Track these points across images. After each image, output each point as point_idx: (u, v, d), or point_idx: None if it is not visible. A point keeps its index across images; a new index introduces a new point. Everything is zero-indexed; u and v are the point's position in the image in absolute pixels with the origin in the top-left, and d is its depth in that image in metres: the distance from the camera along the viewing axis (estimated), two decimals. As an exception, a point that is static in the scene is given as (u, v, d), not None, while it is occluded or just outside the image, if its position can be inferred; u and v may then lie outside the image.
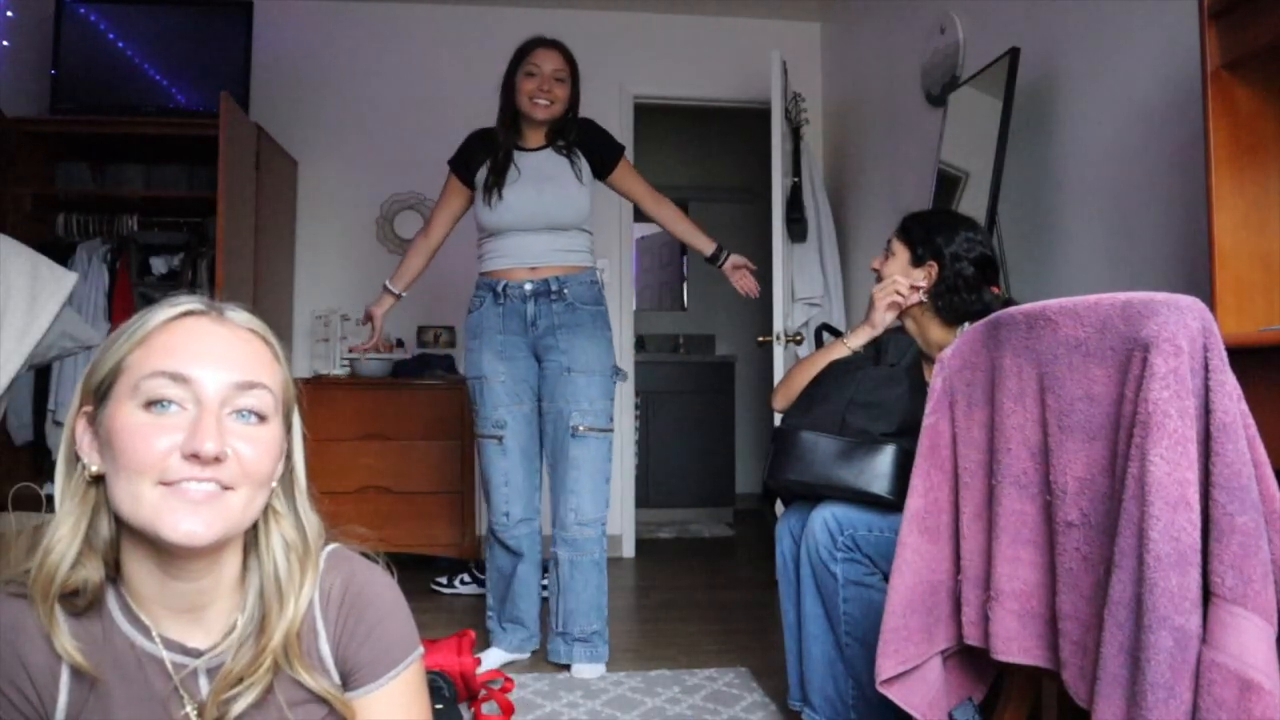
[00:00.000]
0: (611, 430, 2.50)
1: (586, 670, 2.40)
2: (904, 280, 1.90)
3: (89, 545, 0.87)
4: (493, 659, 2.45)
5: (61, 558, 0.85)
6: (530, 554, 2.52)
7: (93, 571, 0.87)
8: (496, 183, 2.46)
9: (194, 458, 0.83)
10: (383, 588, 1.00)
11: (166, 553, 0.86)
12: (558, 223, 2.47)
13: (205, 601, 0.91)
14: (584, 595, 2.45)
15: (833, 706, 1.78)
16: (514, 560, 2.50)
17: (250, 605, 0.92)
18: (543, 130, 2.52)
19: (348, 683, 0.97)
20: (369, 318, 2.66)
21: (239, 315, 0.92)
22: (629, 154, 2.95)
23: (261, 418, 0.89)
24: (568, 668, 2.44)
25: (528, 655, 2.53)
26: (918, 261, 1.91)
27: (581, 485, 2.44)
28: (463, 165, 2.56)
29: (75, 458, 0.89)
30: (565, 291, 2.46)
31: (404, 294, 2.66)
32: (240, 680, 0.89)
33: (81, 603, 0.87)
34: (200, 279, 3.63)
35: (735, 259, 2.65)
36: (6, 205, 3.41)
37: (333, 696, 0.93)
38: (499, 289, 2.47)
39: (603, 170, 2.59)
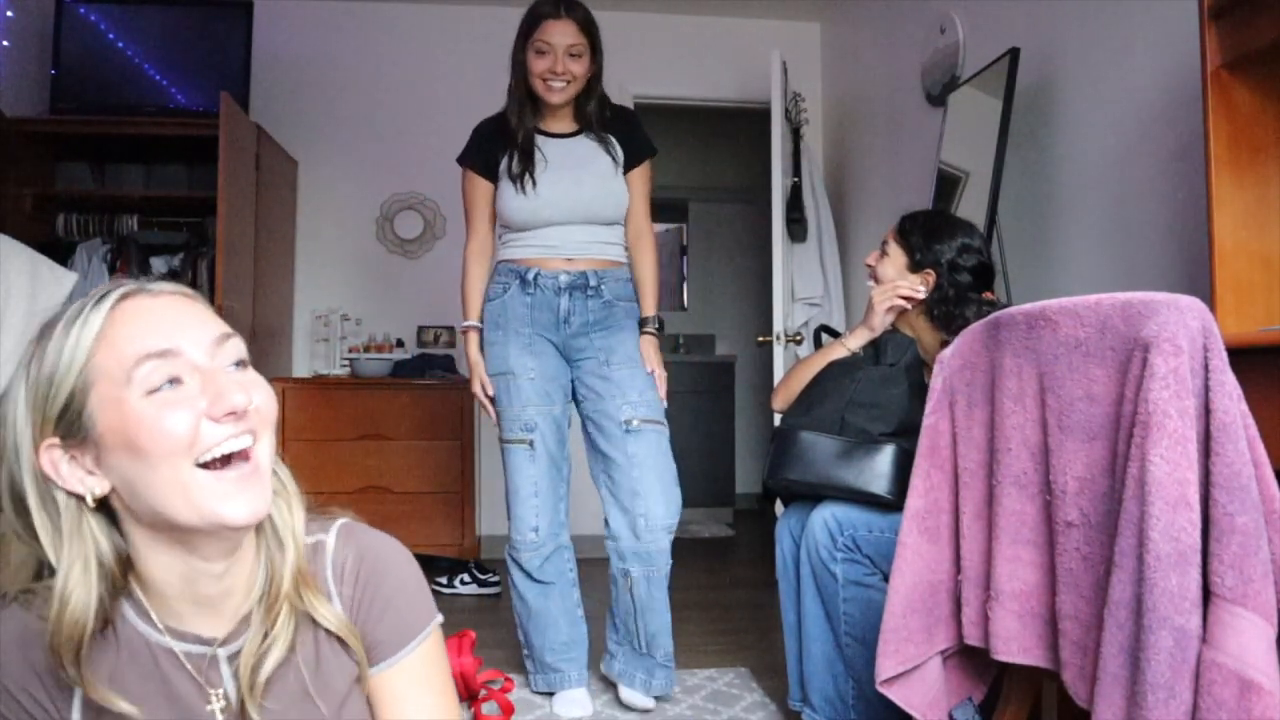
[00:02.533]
0: (666, 424, 2.23)
1: (661, 689, 2.19)
2: (906, 285, 1.90)
3: (98, 580, 0.84)
4: (579, 699, 2.16)
5: (84, 605, 0.82)
6: (562, 578, 2.24)
7: (105, 599, 0.84)
8: (526, 170, 2.17)
9: (229, 415, 0.81)
10: (397, 558, 0.99)
11: (197, 541, 0.84)
12: (599, 217, 2.21)
13: (230, 587, 0.89)
14: (663, 615, 2.19)
15: (833, 706, 1.78)
16: (543, 591, 2.21)
17: (262, 572, 0.91)
18: (567, 112, 2.23)
19: (368, 657, 0.95)
20: (480, 393, 2.26)
21: (163, 284, 0.89)
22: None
23: (246, 363, 0.88)
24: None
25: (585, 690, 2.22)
26: (915, 267, 1.91)
27: (648, 485, 2.14)
28: (477, 158, 2.25)
29: (52, 498, 0.83)
30: (603, 288, 2.21)
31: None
32: (264, 637, 0.88)
33: (95, 624, 0.84)
34: (200, 279, 3.63)
35: (650, 341, 2.26)
36: (6, 205, 3.41)
37: (343, 626, 0.92)
38: (528, 276, 2.19)
39: (626, 165, 2.27)
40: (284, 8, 4.01)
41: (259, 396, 0.86)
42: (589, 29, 2.17)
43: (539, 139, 2.21)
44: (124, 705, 0.83)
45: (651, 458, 2.16)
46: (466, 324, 2.28)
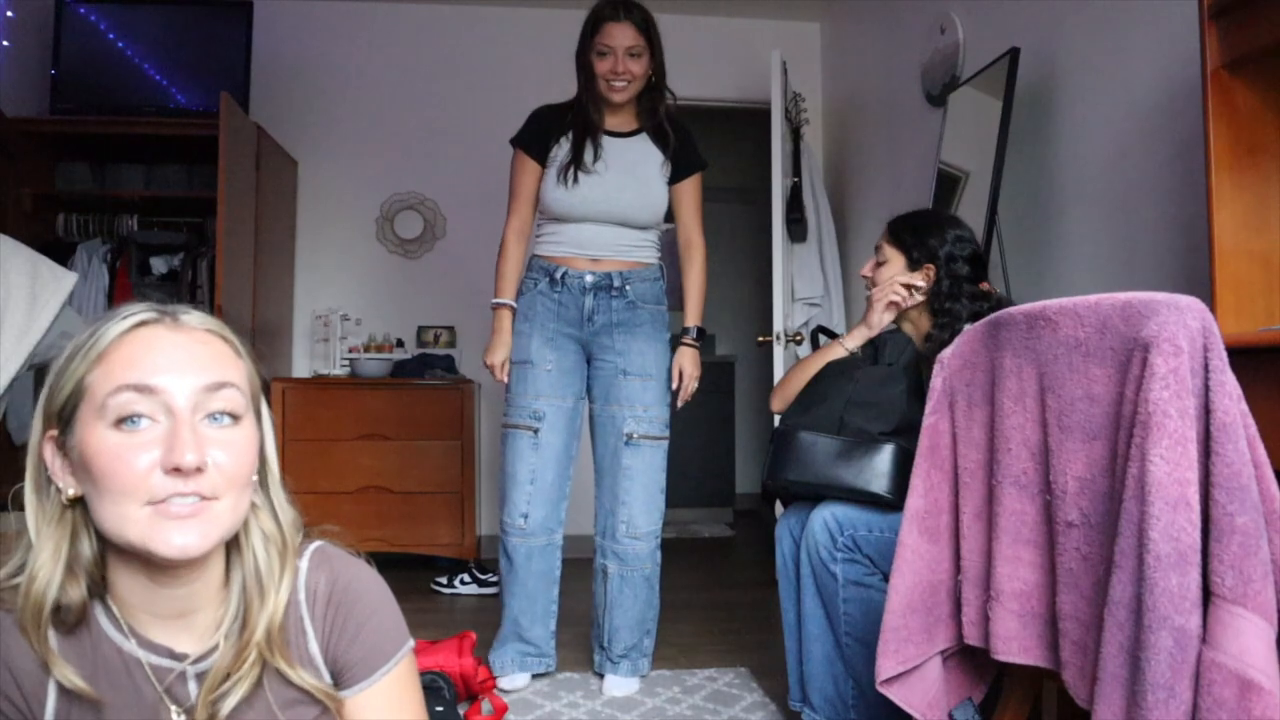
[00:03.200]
0: (667, 437, 2.34)
1: (619, 686, 2.26)
2: (903, 280, 1.90)
3: (70, 568, 0.86)
4: (518, 679, 2.29)
5: (47, 584, 0.84)
6: (546, 573, 2.32)
7: (75, 593, 0.86)
8: (575, 163, 2.26)
9: (175, 471, 0.81)
10: (370, 584, 0.99)
11: (155, 564, 0.86)
12: (632, 221, 2.31)
13: (194, 606, 0.91)
14: (631, 611, 2.29)
15: (833, 706, 1.78)
16: (518, 573, 2.30)
17: (234, 602, 0.92)
18: (629, 109, 2.33)
19: (340, 681, 0.96)
20: (497, 363, 2.32)
21: (193, 317, 0.90)
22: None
23: (235, 418, 0.87)
24: (577, 670, 2.42)
25: (530, 676, 2.33)
26: (914, 265, 1.91)
27: (634, 496, 2.28)
28: (530, 140, 2.33)
29: (46, 482, 0.87)
30: (628, 288, 2.31)
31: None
32: (227, 677, 0.89)
33: (69, 619, 0.87)
34: (200, 279, 3.63)
35: (688, 353, 2.36)
36: (6, 205, 3.41)
37: (318, 690, 0.93)
38: (556, 275, 2.30)
39: (673, 177, 2.38)
40: (284, 8, 4.01)
41: (225, 459, 0.85)
42: (648, 29, 2.29)
43: (600, 137, 2.30)
44: (82, 684, 0.85)
45: (643, 473, 2.29)
46: (498, 301, 2.35)
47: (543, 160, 2.33)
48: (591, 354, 2.34)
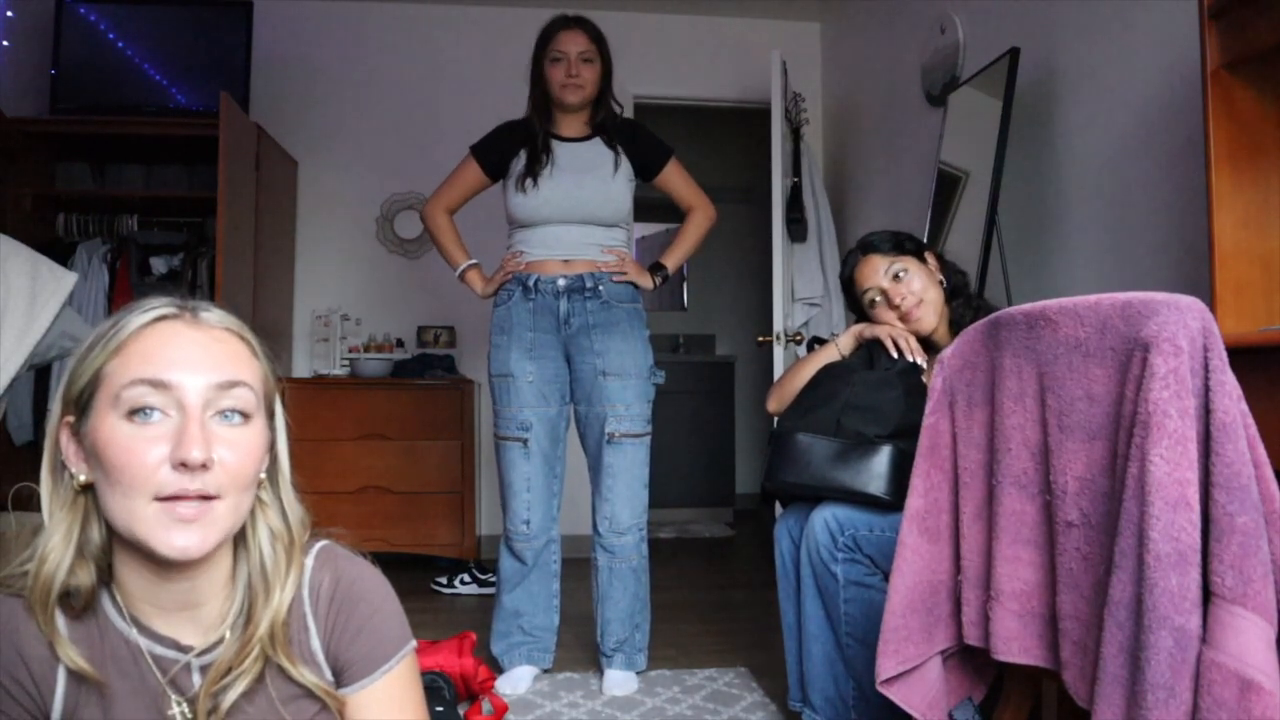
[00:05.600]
0: (648, 433, 2.38)
1: (618, 679, 2.29)
2: (924, 281, 1.92)
3: (80, 552, 0.88)
4: (522, 677, 2.32)
5: (56, 566, 0.86)
6: (544, 565, 2.41)
7: (84, 577, 0.87)
8: (532, 171, 2.33)
9: (181, 466, 0.83)
10: (373, 583, 1.00)
11: (159, 559, 0.87)
12: (596, 218, 2.35)
13: (198, 600, 0.91)
14: (621, 604, 2.34)
15: (833, 707, 1.78)
16: (524, 570, 2.38)
17: (239, 597, 0.93)
18: (581, 117, 2.41)
19: (341, 679, 0.97)
20: (484, 280, 2.45)
21: (213, 315, 0.91)
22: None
23: (245, 416, 0.89)
24: (577, 670, 2.43)
25: (531, 673, 2.35)
26: (922, 260, 1.95)
27: (616, 493, 2.34)
28: (489, 152, 2.43)
29: (61, 466, 0.89)
30: (601, 288, 2.34)
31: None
32: (229, 670, 0.89)
33: (77, 604, 0.88)
34: (200, 279, 3.63)
35: (645, 274, 2.44)
36: (6, 205, 3.41)
37: (319, 689, 0.94)
38: (530, 283, 2.34)
39: (646, 173, 2.47)
40: (284, 8, 4.01)
41: (231, 458, 0.86)
42: (598, 40, 2.39)
43: (552, 143, 2.38)
44: (86, 665, 0.86)
45: (625, 470, 2.35)
46: (461, 267, 2.46)
47: (496, 174, 2.43)
48: (571, 356, 2.38)
